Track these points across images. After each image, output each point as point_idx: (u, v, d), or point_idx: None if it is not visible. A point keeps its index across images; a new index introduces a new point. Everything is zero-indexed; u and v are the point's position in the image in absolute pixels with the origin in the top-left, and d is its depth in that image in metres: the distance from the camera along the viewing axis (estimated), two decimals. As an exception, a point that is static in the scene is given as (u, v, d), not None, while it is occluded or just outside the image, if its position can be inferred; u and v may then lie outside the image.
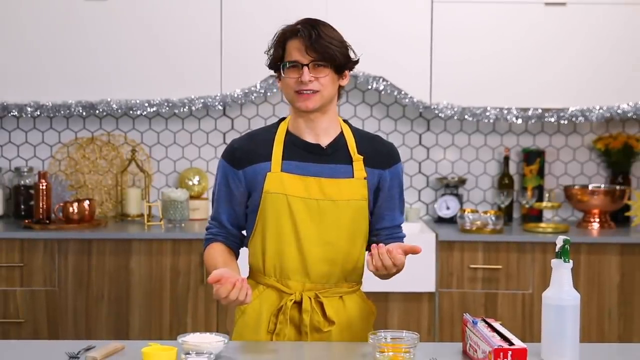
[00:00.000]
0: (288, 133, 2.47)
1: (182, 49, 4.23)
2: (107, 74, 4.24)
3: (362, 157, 2.45)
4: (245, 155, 2.44)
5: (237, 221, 2.51)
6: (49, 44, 4.22)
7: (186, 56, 4.23)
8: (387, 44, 4.23)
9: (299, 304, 2.43)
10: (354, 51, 2.48)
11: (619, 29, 4.24)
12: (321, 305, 2.43)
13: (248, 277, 2.54)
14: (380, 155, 2.49)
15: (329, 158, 2.44)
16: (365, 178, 2.44)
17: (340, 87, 2.48)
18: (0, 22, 4.21)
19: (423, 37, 4.24)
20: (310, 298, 2.42)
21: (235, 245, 2.54)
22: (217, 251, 2.50)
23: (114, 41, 4.23)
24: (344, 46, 2.42)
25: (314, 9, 4.13)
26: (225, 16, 4.22)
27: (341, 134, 2.48)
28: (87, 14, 4.21)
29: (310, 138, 2.45)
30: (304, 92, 2.39)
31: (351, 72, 2.50)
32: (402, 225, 2.57)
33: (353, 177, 2.44)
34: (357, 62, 2.48)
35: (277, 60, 2.44)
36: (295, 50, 2.39)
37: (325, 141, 2.45)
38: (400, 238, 2.54)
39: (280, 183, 2.40)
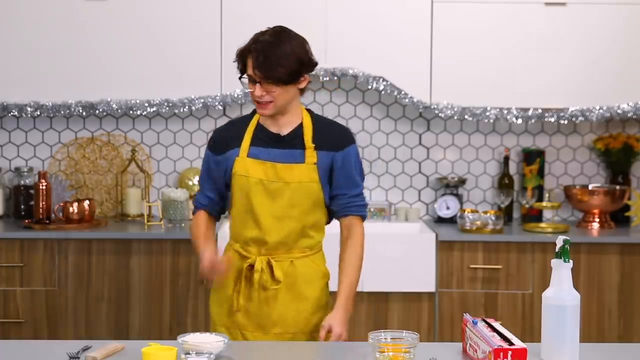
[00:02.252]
0: (258, 124, 2.83)
1: (182, 49, 4.23)
2: (107, 74, 4.24)
3: (313, 145, 2.78)
4: (222, 143, 2.83)
5: (217, 189, 2.88)
6: (49, 44, 4.22)
7: (186, 56, 4.23)
8: (387, 44, 4.23)
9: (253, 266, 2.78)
10: (303, 65, 2.70)
11: (619, 29, 4.23)
12: (271, 267, 2.75)
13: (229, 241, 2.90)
14: (334, 139, 2.81)
15: (286, 144, 2.79)
16: (315, 163, 2.77)
17: (301, 89, 2.77)
18: (0, 22, 4.21)
19: (423, 37, 4.24)
20: (262, 261, 2.77)
21: (216, 211, 2.93)
22: (200, 223, 2.89)
23: (114, 41, 4.23)
24: (294, 61, 2.68)
25: (314, 9, 4.14)
26: (225, 16, 4.22)
27: (301, 125, 2.81)
28: (87, 14, 4.21)
29: (273, 129, 2.81)
30: (260, 102, 2.73)
31: (312, 73, 2.79)
32: (361, 193, 2.85)
33: (304, 162, 2.77)
34: (314, 65, 2.75)
35: (240, 72, 2.75)
36: (250, 67, 2.70)
37: (285, 131, 2.80)
38: (357, 206, 2.83)
39: (244, 167, 2.78)
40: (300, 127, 2.81)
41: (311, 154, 2.78)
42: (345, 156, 2.81)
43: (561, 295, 2.18)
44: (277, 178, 2.76)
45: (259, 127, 2.83)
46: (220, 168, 2.84)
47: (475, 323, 2.24)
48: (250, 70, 2.70)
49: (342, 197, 2.82)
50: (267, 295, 2.76)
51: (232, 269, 2.79)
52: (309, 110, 2.86)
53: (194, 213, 2.97)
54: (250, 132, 2.82)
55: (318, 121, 2.85)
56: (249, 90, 2.74)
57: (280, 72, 2.66)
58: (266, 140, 2.80)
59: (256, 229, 2.78)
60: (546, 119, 4.26)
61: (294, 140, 2.79)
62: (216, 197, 2.91)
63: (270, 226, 2.77)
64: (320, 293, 2.82)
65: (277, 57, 2.66)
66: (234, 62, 2.76)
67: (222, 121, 4.56)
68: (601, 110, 4.24)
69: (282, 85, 2.69)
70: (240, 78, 2.75)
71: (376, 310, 4.01)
